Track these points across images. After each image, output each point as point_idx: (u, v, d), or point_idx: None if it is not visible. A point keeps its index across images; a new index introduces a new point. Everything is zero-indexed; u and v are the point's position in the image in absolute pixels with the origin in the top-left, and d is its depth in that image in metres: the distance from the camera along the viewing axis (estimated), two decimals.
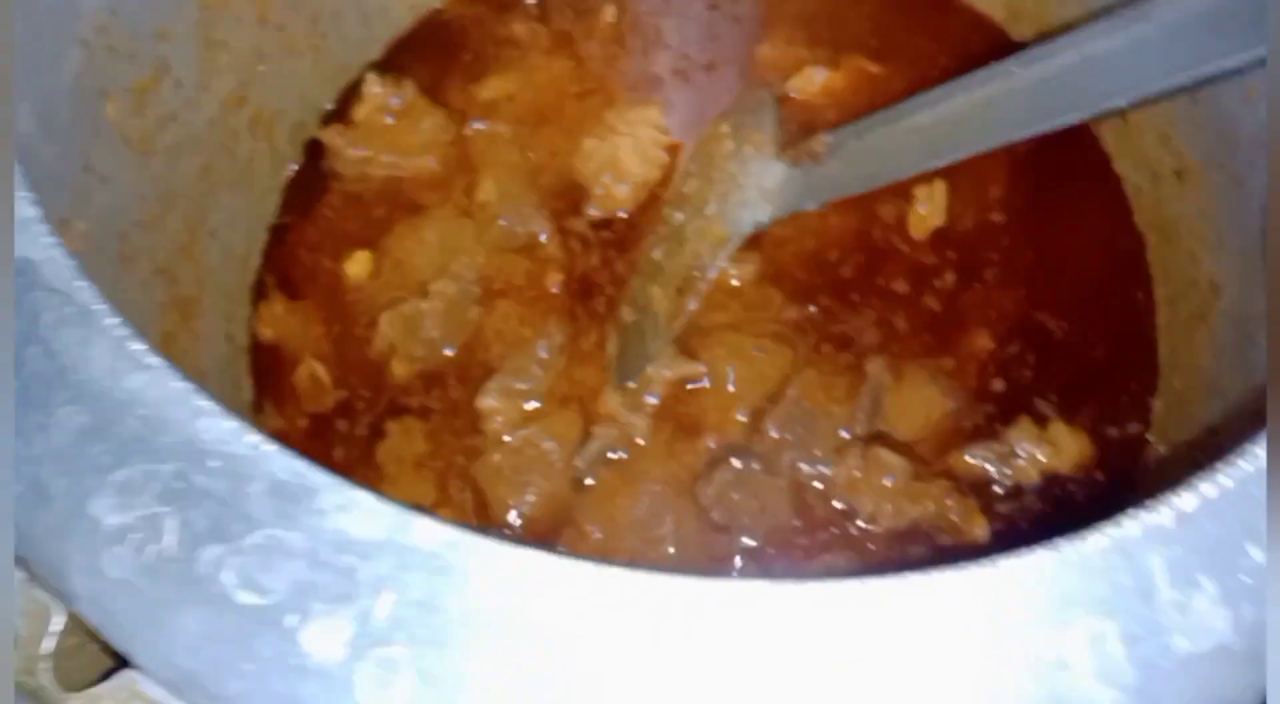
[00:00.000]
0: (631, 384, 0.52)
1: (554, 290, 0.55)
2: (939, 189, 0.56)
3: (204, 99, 0.49)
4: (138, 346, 0.25)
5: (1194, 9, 0.34)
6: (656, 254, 0.55)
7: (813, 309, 0.55)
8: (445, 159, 0.58)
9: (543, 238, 0.56)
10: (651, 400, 0.53)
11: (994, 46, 0.60)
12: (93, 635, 0.25)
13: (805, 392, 0.53)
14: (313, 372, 0.54)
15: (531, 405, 0.52)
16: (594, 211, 0.57)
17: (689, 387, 0.53)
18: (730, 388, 0.53)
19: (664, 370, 0.53)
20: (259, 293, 0.56)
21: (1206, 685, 0.22)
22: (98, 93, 0.42)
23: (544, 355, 0.54)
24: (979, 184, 0.57)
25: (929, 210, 0.56)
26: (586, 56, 0.61)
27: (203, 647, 0.23)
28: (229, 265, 0.53)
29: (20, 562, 0.25)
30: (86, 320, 0.25)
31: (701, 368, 0.53)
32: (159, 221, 0.46)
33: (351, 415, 0.53)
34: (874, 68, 0.59)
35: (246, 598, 0.23)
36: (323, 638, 0.22)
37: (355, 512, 0.23)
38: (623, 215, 0.57)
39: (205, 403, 0.24)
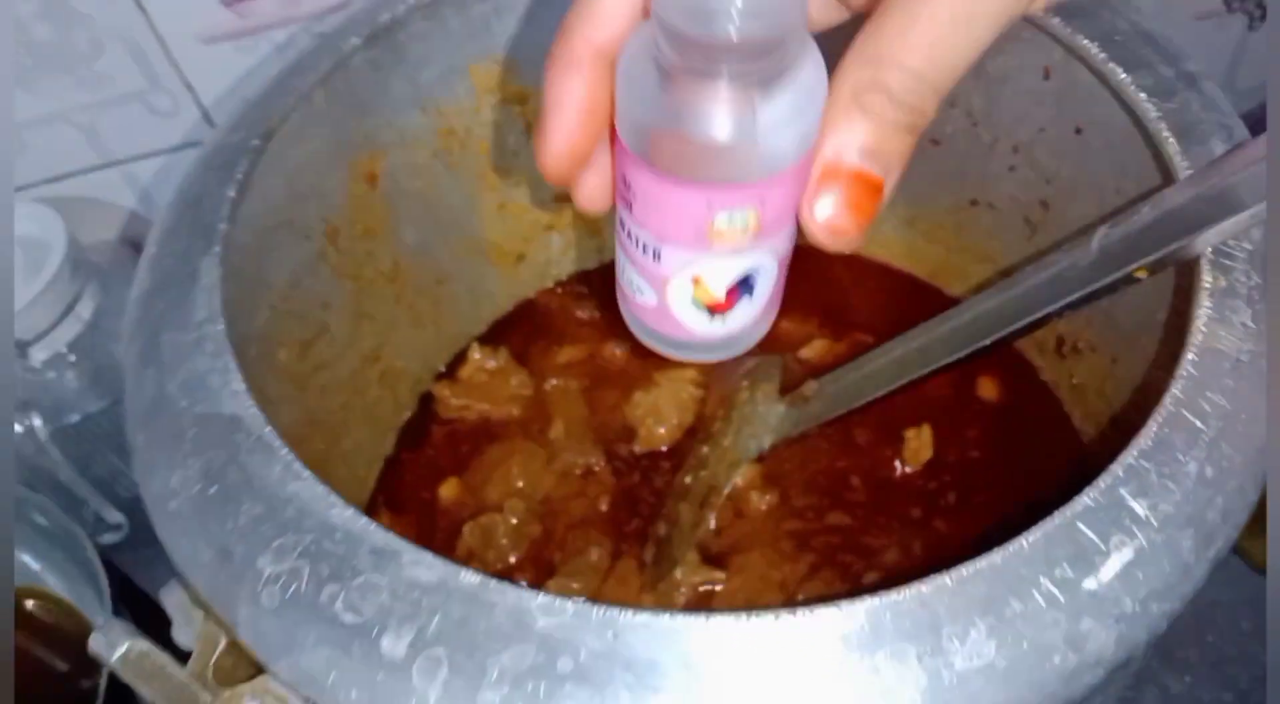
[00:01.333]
0: (661, 586, 0.64)
1: (604, 509, 0.68)
2: (925, 431, 0.68)
3: (349, 354, 0.66)
4: (297, 465, 0.39)
5: (1046, 278, 0.48)
6: (687, 479, 0.68)
7: (822, 527, 0.66)
8: (525, 407, 0.73)
9: (597, 469, 0.70)
10: (679, 600, 0.64)
11: None
12: (245, 655, 0.38)
13: (810, 600, 0.63)
14: None
15: (582, 595, 0.64)
16: (639, 447, 0.71)
17: (709, 590, 0.64)
18: (746, 594, 0.64)
19: (691, 576, 0.64)
20: (370, 509, 0.70)
21: (979, 694, 0.32)
22: (276, 341, 0.59)
23: (595, 560, 0.66)
24: (958, 430, 0.70)
25: (918, 445, 0.68)
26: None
27: (318, 652, 0.35)
28: (351, 483, 0.68)
29: (202, 605, 0.38)
30: (268, 451, 0.40)
31: (720, 574, 0.64)
32: (306, 440, 0.62)
33: None
34: (869, 339, 0.74)
35: (349, 619, 0.35)
36: (393, 644, 0.35)
37: (423, 565, 0.36)
38: (662, 449, 0.70)
39: (335, 498, 0.38)
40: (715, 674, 0.33)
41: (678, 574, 0.64)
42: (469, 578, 0.35)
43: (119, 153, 0.82)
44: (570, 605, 0.34)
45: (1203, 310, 0.40)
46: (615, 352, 0.76)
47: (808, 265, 0.83)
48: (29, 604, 0.77)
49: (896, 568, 0.63)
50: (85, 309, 0.72)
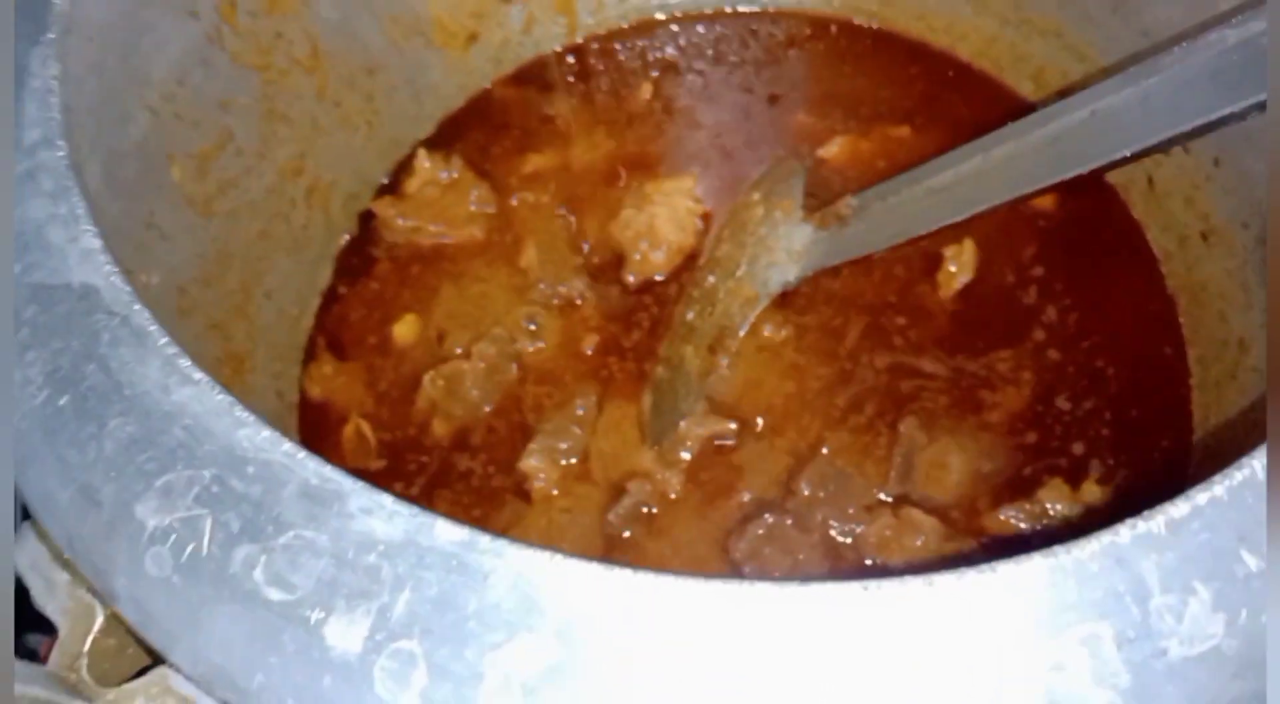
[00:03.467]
0: (665, 440, 0.54)
1: (589, 351, 0.57)
2: (968, 248, 0.57)
3: (263, 167, 0.52)
4: (185, 363, 0.27)
5: (1194, 65, 0.36)
6: (690, 316, 0.56)
7: (845, 368, 0.56)
8: (490, 229, 0.61)
9: (579, 301, 0.58)
10: (685, 456, 0.54)
11: (1021, 115, 0.62)
12: (132, 635, 0.27)
13: (838, 450, 0.54)
14: (359, 429, 0.56)
15: (570, 461, 0.54)
16: (631, 277, 0.59)
17: (722, 443, 0.54)
18: (763, 445, 0.54)
19: (696, 427, 0.54)
20: (309, 353, 0.58)
21: (1200, 689, 0.22)
22: (164, 156, 0.45)
23: (581, 413, 0.55)
24: (1010, 247, 0.58)
25: (958, 268, 0.56)
26: (624, 132, 0.64)
27: (232, 642, 0.24)
28: (281, 325, 0.56)
29: (66, 564, 0.27)
30: (141, 341, 0.27)
31: (733, 425, 0.54)
32: (216, 280, 0.49)
33: (397, 474, 0.54)
34: (903, 132, 0.61)
35: (274, 595, 0.24)
36: (343, 632, 0.24)
37: (379, 514, 0.25)
38: (659, 279, 0.58)
39: (244, 414, 0.26)
40: (840, 669, 0.23)
41: (683, 426, 0.54)
42: (449, 534, 0.24)
43: None
44: (605, 574, 0.24)
45: None
46: (595, 157, 0.63)
47: (823, 46, 0.71)
48: None
49: (948, 415, 0.53)
50: None
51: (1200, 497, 0.23)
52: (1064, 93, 0.60)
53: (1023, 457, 0.53)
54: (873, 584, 0.23)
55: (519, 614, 0.23)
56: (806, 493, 0.52)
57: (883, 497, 0.52)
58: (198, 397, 0.26)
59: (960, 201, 0.43)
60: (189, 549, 0.25)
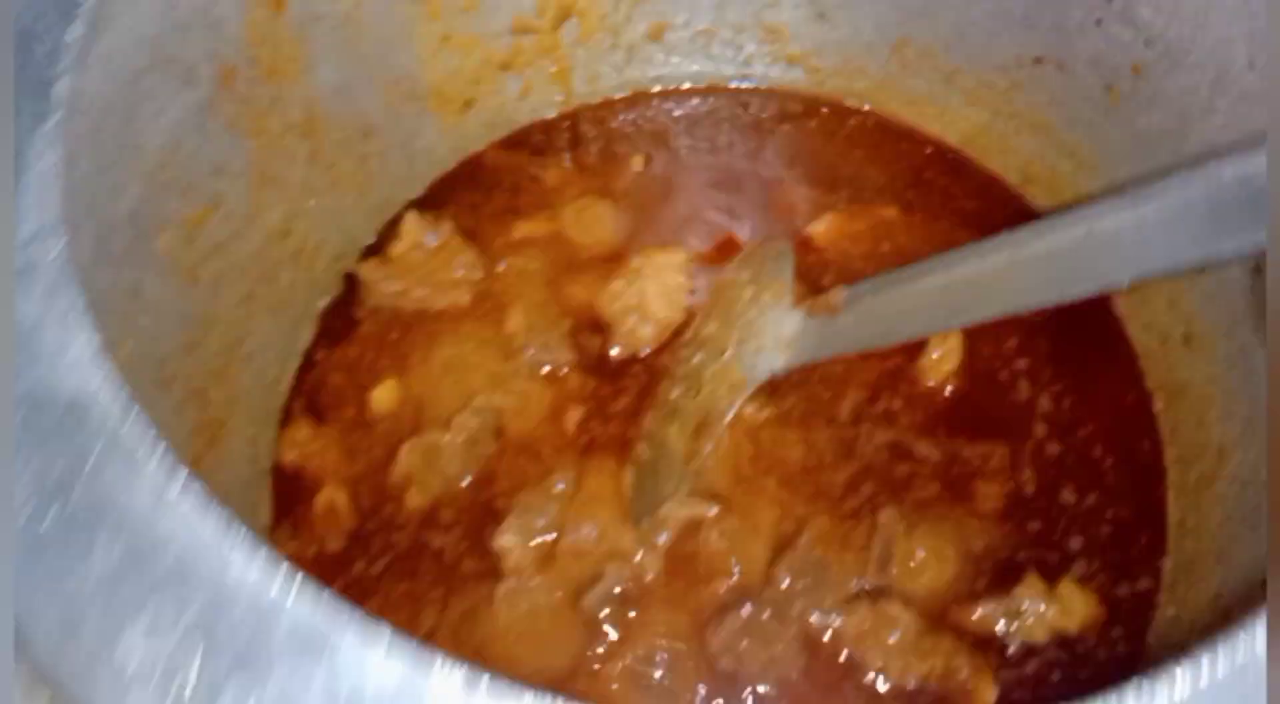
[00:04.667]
0: (646, 521, 0.53)
1: (572, 425, 0.57)
2: (953, 338, 0.57)
3: (251, 231, 0.51)
4: (179, 486, 0.26)
5: (1197, 195, 0.36)
6: (674, 394, 0.56)
7: (828, 452, 0.56)
8: (476, 294, 0.60)
9: (563, 372, 0.58)
10: (664, 539, 0.53)
11: (1005, 205, 0.62)
12: None
13: (818, 538, 0.53)
14: (331, 499, 0.55)
15: (548, 538, 0.53)
16: (617, 350, 0.58)
17: (703, 528, 0.53)
18: (744, 529, 0.54)
19: (678, 509, 0.54)
20: (286, 417, 0.57)
21: None
22: (154, 225, 0.44)
23: (559, 490, 0.54)
24: (994, 336, 0.58)
25: (942, 355, 0.57)
26: (615, 202, 0.64)
27: None
28: (259, 388, 0.55)
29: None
30: (131, 460, 0.27)
31: (714, 509, 0.53)
32: (198, 346, 0.48)
33: (367, 548, 0.53)
34: (890, 213, 0.61)
35: None
36: None
37: (372, 660, 0.24)
38: (645, 353, 0.58)
39: (238, 544, 0.25)
40: None
41: (664, 509, 0.53)
42: (447, 681, 0.24)
43: None
44: None
45: None
46: (586, 225, 0.63)
47: (814, 124, 0.71)
48: None
49: (926, 506, 0.53)
50: None
51: (1199, 677, 0.23)
52: (1053, 185, 0.61)
53: (1001, 550, 0.53)
54: None
55: None
56: (786, 582, 0.52)
57: (861, 587, 0.52)
58: (188, 525, 0.26)
59: (952, 310, 0.44)
60: (174, 687, 0.24)
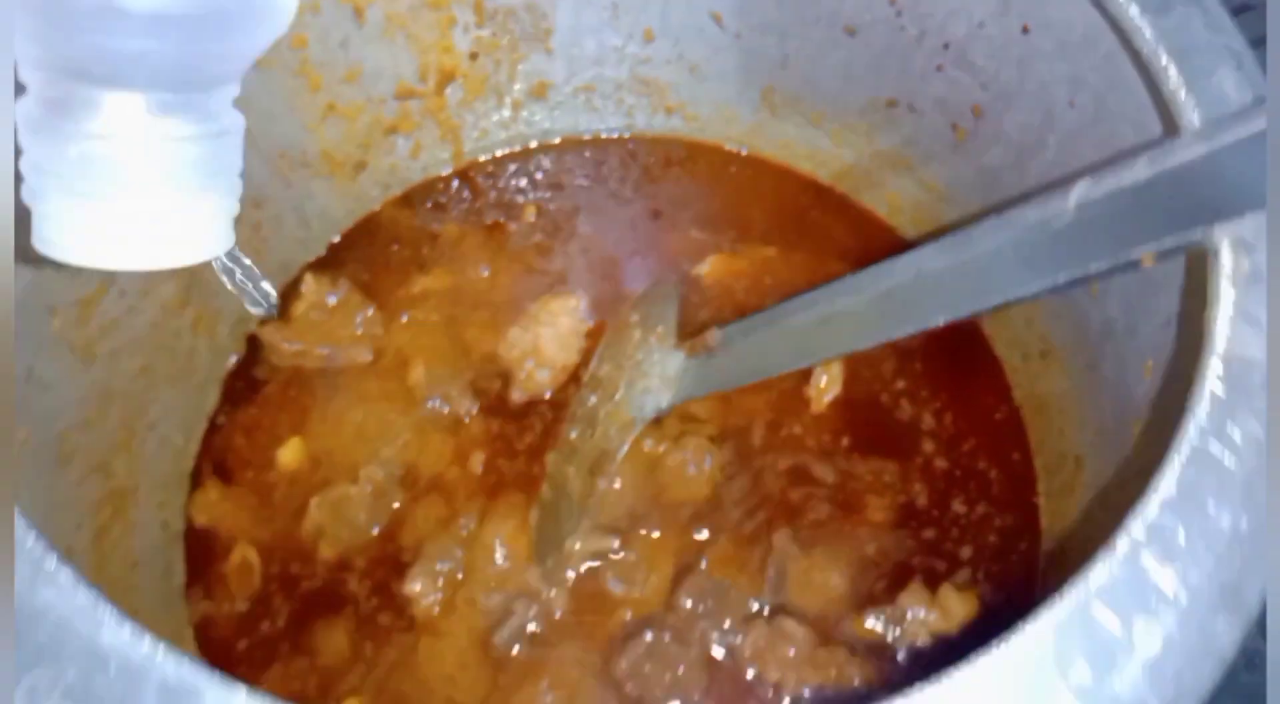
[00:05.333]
0: (550, 560, 0.55)
1: (478, 469, 0.59)
2: (835, 366, 0.60)
3: (145, 305, 0.53)
4: (53, 560, 0.28)
5: (1002, 242, 0.40)
6: (573, 434, 0.59)
7: (722, 480, 0.58)
8: (378, 350, 0.62)
9: (467, 419, 0.60)
10: (570, 575, 0.56)
11: (878, 237, 0.66)
12: None
13: (716, 563, 0.56)
14: (244, 557, 0.56)
15: (456, 579, 0.55)
16: (517, 395, 0.61)
17: (605, 559, 0.56)
18: (645, 559, 0.56)
19: (580, 544, 0.56)
20: (195, 480, 0.59)
21: None
22: (45, 308, 0.46)
23: (465, 533, 0.57)
24: (872, 362, 0.62)
25: (827, 381, 0.60)
26: (510, 252, 0.67)
27: None
28: (165, 455, 0.57)
29: None
30: (5, 544, 0.29)
31: (615, 542, 0.56)
32: (98, 421, 0.50)
33: (281, 602, 0.55)
34: (771, 252, 0.65)
35: None
36: None
37: None
38: (545, 396, 0.61)
39: (106, 613, 0.27)
40: None
41: (567, 545, 0.56)
42: None
43: None
44: None
45: (1223, 307, 0.32)
46: (482, 277, 0.65)
47: (697, 168, 0.75)
48: None
49: (818, 525, 0.56)
50: None
51: (982, 664, 0.27)
52: (916, 217, 0.65)
53: (886, 562, 0.56)
54: None
55: None
56: (687, 606, 0.55)
57: (760, 606, 0.55)
58: (61, 596, 0.28)
59: (808, 349, 0.47)
60: None
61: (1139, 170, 0.34)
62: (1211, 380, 0.30)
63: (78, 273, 0.48)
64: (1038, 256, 0.38)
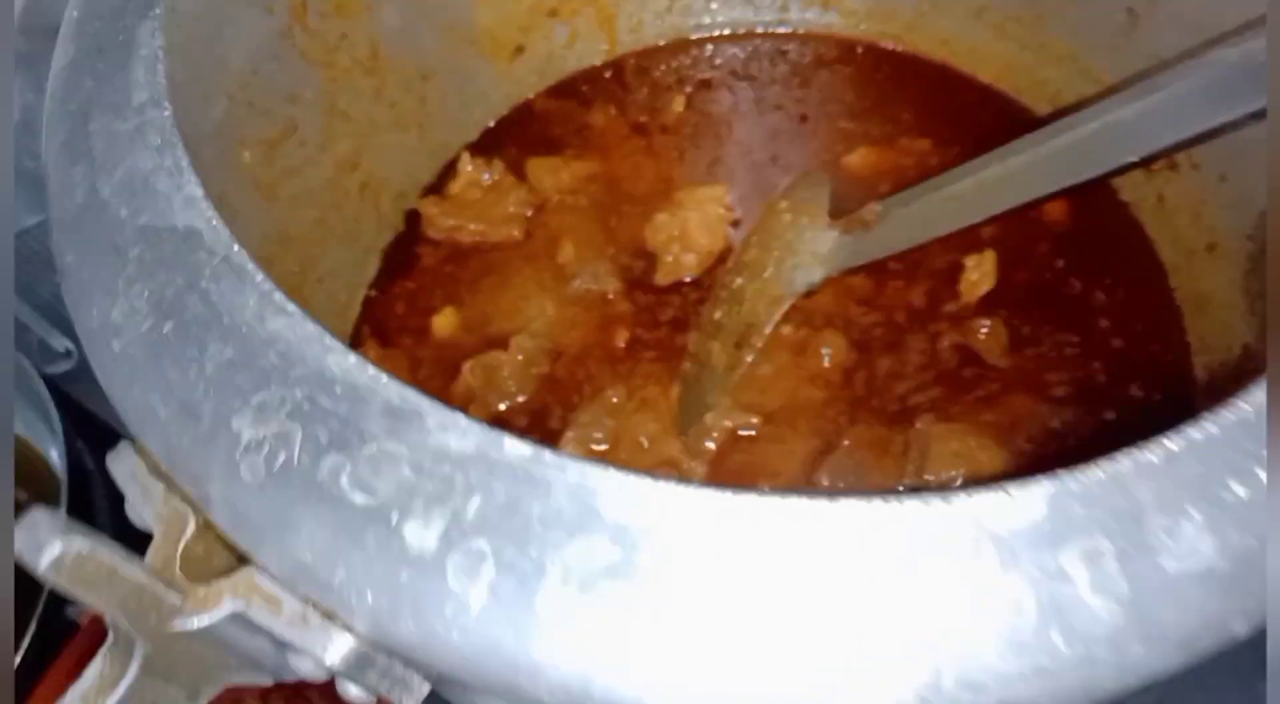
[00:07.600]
0: (691, 431, 0.56)
1: (622, 345, 0.60)
2: (989, 257, 0.59)
3: (323, 159, 0.55)
4: (280, 297, 0.30)
5: (1195, 81, 0.39)
6: (717, 314, 0.59)
7: (867, 366, 0.58)
8: (528, 229, 0.64)
9: (613, 297, 0.61)
10: (710, 446, 0.56)
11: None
12: (220, 542, 0.29)
13: (857, 443, 0.56)
14: None
15: (602, 448, 0.56)
16: (662, 277, 0.62)
17: (745, 435, 0.56)
18: (785, 438, 0.56)
19: (722, 420, 0.57)
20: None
21: (1194, 603, 0.25)
22: (237, 140, 0.48)
23: (615, 403, 0.58)
24: (1029, 261, 0.61)
25: (980, 276, 0.59)
26: (658, 143, 0.67)
27: (318, 541, 0.27)
28: (331, 310, 0.59)
29: (162, 475, 0.29)
30: (239, 277, 0.30)
31: (755, 418, 0.56)
32: (278, 259, 0.52)
33: None
34: (925, 145, 0.64)
35: (359, 499, 0.27)
36: (420, 532, 0.26)
37: (453, 430, 0.27)
38: (688, 280, 0.61)
39: (333, 342, 0.29)
40: (864, 576, 0.25)
41: (708, 419, 0.56)
42: (516, 448, 0.27)
43: None
44: (655, 485, 0.26)
45: None
46: (630, 165, 0.66)
47: (846, 64, 0.74)
48: None
49: (958, 416, 0.56)
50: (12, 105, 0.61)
51: (1194, 433, 0.26)
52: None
53: (1032, 453, 0.55)
54: (894, 503, 0.26)
55: (578, 520, 0.26)
56: (825, 483, 0.55)
57: (900, 488, 0.54)
58: (290, 326, 0.29)
59: (978, 206, 0.46)
60: (281, 459, 0.27)
61: None
62: None
63: (266, 112, 0.51)
64: (1233, 90, 0.37)
